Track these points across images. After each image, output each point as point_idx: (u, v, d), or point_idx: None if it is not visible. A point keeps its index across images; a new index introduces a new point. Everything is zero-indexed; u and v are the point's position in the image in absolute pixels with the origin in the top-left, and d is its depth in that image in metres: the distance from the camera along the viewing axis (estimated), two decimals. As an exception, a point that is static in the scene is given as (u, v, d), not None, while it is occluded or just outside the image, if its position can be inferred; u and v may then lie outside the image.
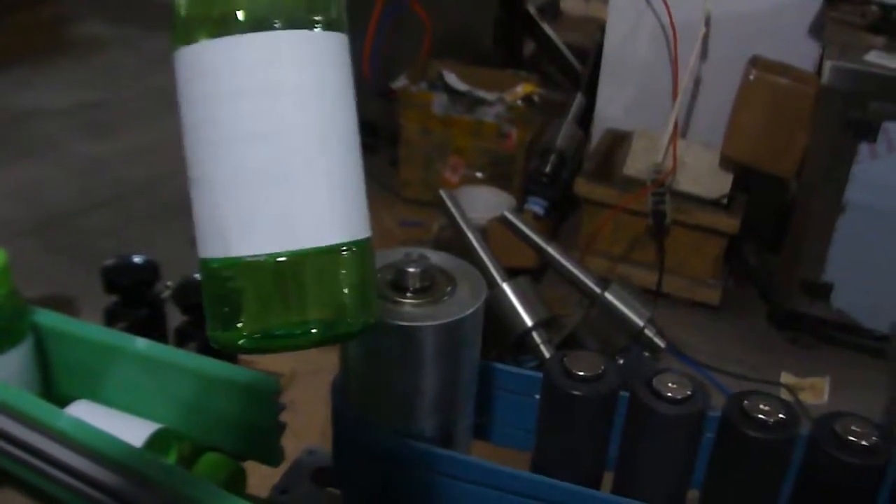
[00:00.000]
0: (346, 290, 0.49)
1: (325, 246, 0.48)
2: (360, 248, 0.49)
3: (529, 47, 3.19)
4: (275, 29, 0.46)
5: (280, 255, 0.47)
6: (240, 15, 0.46)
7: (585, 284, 1.71)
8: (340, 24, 0.49)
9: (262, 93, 0.46)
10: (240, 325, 0.48)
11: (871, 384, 1.90)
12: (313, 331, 0.48)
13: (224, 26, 0.46)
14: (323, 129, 0.47)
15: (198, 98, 0.48)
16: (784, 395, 1.90)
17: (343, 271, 0.49)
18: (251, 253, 0.47)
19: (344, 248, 0.48)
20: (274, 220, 0.47)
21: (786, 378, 1.95)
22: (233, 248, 0.47)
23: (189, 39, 0.47)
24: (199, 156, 0.49)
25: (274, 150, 0.46)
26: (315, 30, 0.47)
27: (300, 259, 0.47)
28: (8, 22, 3.65)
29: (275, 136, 0.46)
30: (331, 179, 0.48)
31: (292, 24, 0.47)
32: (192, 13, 0.47)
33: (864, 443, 0.54)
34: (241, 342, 0.48)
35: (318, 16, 0.48)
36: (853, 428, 0.55)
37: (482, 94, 2.44)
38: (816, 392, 1.93)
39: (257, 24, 0.46)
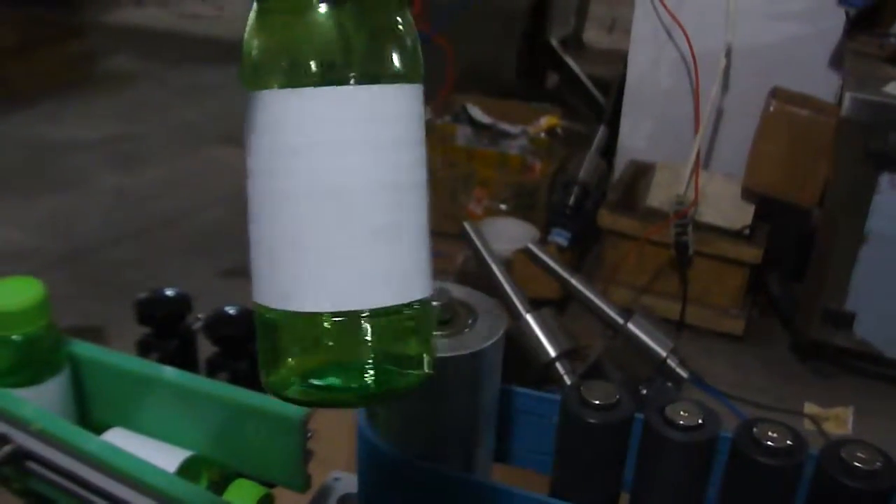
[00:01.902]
0: (409, 345, 0.48)
1: (396, 304, 0.46)
2: (425, 305, 0.48)
3: (553, 80, 3.22)
4: (348, 83, 0.44)
5: (350, 312, 0.45)
6: (315, 66, 0.44)
7: (608, 315, 1.72)
8: (418, 74, 0.47)
9: (334, 147, 0.44)
10: (296, 377, 0.47)
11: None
12: (370, 385, 0.46)
13: (297, 77, 0.45)
14: (399, 183, 0.46)
15: (274, 147, 0.45)
16: (807, 425, 1.91)
17: (409, 327, 0.47)
18: (326, 310, 0.45)
19: (415, 304, 0.47)
20: (348, 278, 0.45)
21: (809, 408, 1.96)
22: (308, 303, 0.45)
23: (260, 85, 0.45)
24: (270, 204, 0.46)
25: (345, 207, 0.44)
26: (388, 84, 0.46)
27: (361, 316, 0.45)
28: (37, 57, 3.70)
29: (353, 192, 0.45)
30: (405, 236, 0.46)
31: (366, 78, 0.45)
32: (284, 59, 0.45)
33: (868, 468, 0.56)
34: (290, 392, 0.47)
35: (392, 69, 0.46)
36: (859, 454, 0.57)
37: (506, 126, 2.47)
38: (840, 422, 1.93)
39: (334, 77, 0.44)
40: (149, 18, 4.28)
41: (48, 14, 4.06)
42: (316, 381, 0.47)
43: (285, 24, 0.46)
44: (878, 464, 0.57)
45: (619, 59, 2.55)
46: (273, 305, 0.47)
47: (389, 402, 0.49)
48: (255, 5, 0.47)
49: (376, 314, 0.45)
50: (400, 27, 0.47)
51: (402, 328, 0.47)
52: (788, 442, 0.58)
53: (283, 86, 0.45)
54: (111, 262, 2.33)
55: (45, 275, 0.87)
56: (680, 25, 2.24)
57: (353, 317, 0.45)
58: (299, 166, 0.45)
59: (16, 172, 2.84)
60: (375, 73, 0.45)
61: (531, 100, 2.75)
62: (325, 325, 0.45)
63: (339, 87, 0.44)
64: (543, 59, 3.10)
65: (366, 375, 0.46)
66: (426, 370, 0.48)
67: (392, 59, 0.46)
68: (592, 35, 3.82)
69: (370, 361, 0.46)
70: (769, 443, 0.58)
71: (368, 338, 0.46)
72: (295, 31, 0.45)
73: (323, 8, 0.45)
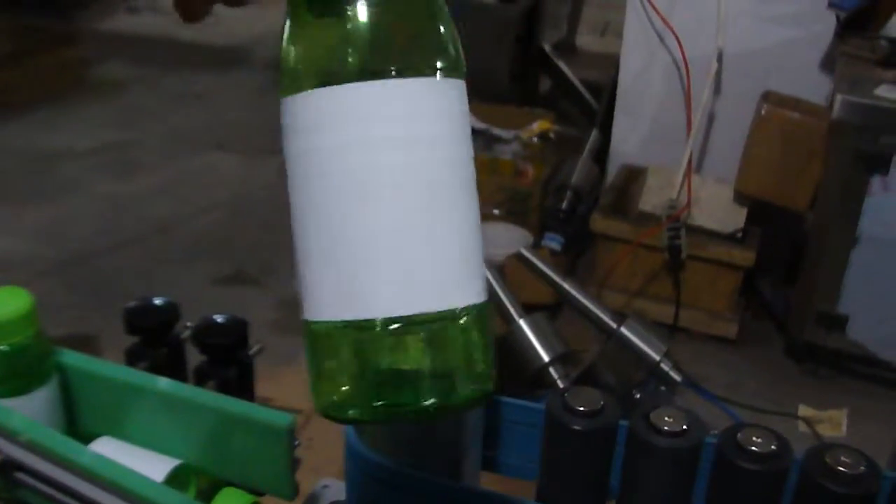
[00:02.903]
0: (466, 356, 0.46)
1: (449, 309, 0.44)
2: (481, 312, 0.46)
3: (545, 84, 3.22)
4: (388, 77, 0.43)
5: (403, 318, 0.43)
6: (354, 61, 0.44)
7: (601, 319, 1.72)
8: (461, 69, 0.46)
9: (400, 144, 0.43)
10: (353, 396, 0.45)
11: (890, 415, 1.91)
12: (429, 401, 0.44)
13: (336, 73, 0.44)
14: (455, 181, 0.45)
15: (315, 147, 0.44)
16: (802, 427, 1.91)
17: (464, 335, 0.45)
18: (377, 316, 0.44)
19: (470, 310, 0.45)
20: (398, 282, 0.43)
21: (803, 410, 1.96)
22: (359, 311, 0.44)
23: (296, 88, 0.44)
24: (309, 210, 0.45)
25: (388, 207, 0.43)
26: (432, 77, 0.45)
27: (414, 324, 0.44)
28: (31, 65, 3.70)
29: (397, 190, 0.43)
30: (456, 236, 0.45)
31: (409, 72, 0.44)
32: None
33: (852, 472, 0.56)
34: (346, 415, 0.45)
35: (435, 62, 0.45)
36: (842, 458, 0.57)
37: (498, 131, 2.47)
38: (834, 424, 1.93)
39: (372, 71, 0.43)
40: (142, 25, 4.27)
41: (41, 21, 4.06)
42: (374, 401, 0.45)
43: (327, 23, 0.45)
44: (862, 468, 0.57)
45: (612, 63, 2.55)
46: (321, 317, 0.45)
47: (451, 417, 0.46)
48: (291, 10, 0.46)
49: (429, 321, 0.44)
50: (440, 22, 0.46)
51: (458, 337, 0.45)
52: (773, 447, 0.58)
53: (320, 84, 0.44)
54: (105, 270, 2.33)
55: (39, 283, 0.87)
56: (671, 30, 2.24)
57: (406, 324, 0.44)
58: (338, 167, 0.44)
59: (9, 180, 2.83)
60: (419, 67, 0.44)
61: (524, 104, 2.75)
62: (379, 334, 0.44)
63: (377, 82, 0.43)
64: (536, 64, 3.11)
65: (424, 391, 0.44)
66: (486, 384, 0.46)
67: (435, 53, 0.45)
68: (585, 39, 3.82)
69: (427, 375, 0.44)
70: (753, 448, 0.58)
71: (423, 348, 0.44)
72: (337, 30, 0.44)
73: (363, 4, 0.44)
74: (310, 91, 0.44)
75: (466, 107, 0.47)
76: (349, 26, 0.44)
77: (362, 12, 0.44)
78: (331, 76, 0.44)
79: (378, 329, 0.44)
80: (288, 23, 0.46)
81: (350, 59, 0.44)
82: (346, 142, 0.43)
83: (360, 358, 0.45)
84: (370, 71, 0.43)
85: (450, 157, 0.45)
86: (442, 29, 0.46)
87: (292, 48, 0.45)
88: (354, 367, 0.45)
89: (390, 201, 0.43)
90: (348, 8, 0.44)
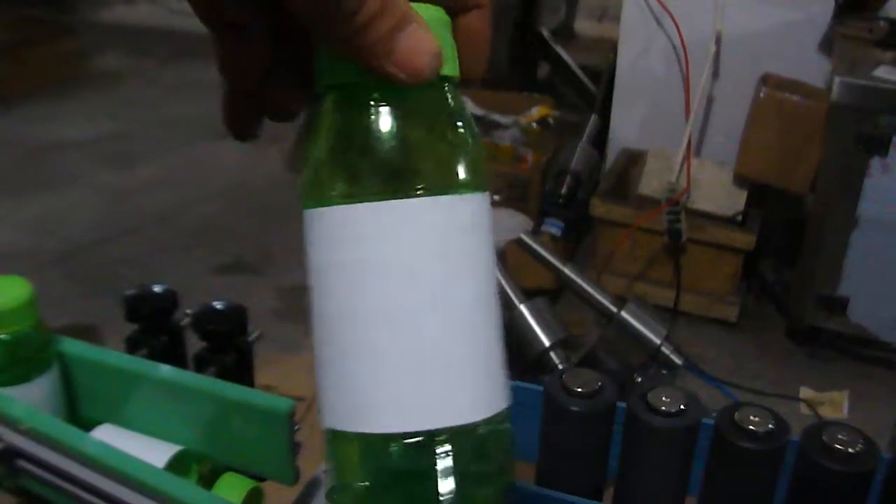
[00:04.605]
0: (488, 462, 0.44)
1: (476, 421, 0.43)
2: (507, 417, 0.45)
3: (544, 70, 3.21)
4: (414, 196, 0.42)
5: (425, 433, 0.42)
6: (379, 179, 0.42)
7: (602, 304, 1.73)
8: (485, 182, 0.45)
9: (399, 263, 0.42)
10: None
11: (891, 397, 1.91)
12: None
13: (358, 191, 0.42)
14: (475, 294, 0.43)
15: (340, 262, 0.43)
16: (803, 409, 1.91)
17: (488, 443, 0.44)
18: (397, 430, 0.42)
19: (496, 418, 0.44)
20: (419, 397, 0.42)
21: (805, 393, 1.96)
22: (378, 425, 0.42)
23: (321, 201, 0.43)
24: (330, 324, 0.43)
25: (416, 323, 0.42)
26: (457, 194, 0.43)
27: (437, 437, 0.42)
28: (29, 57, 3.69)
29: (424, 307, 0.42)
30: (480, 349, 0.43)
31: (433, 190, 0.42)
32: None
33: (849, 450, 0.57)
34: None
35: (459, 178, 0.43)
36: (839, 436, 0.57)
37: (497, 117, 2.47)
38: (836, 406, 1.93)
39: (399, 190, 0.42)
40: (139, 15, 4.27)
41: (38, 13, 4.06)
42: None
43: (353, 138, 0.43)
44: (859, 446, 0.57)
45: (610, 47, 2.54)
46: (339, 427, 0.44)
47: None
48: (315, 120, 0.44)
49: (453, 433, 0.42)
50: (467, 138, 0.45)
51: (481, 445, 0.44)
52: (770, 426, 0.58)
53: (343, 200, 0.42)
54: (105, 260, 2.33)
55: (40, 274, 0.87)
56: (669, 13, 2.24)
57: (428, 437, 0.42)
58: (360, 282, 0.42)
59: (7, 172, 2.83)
60: (444, 184, 0.43)
61: (523, 90, 2.74)
62: (399, 447, 0.42)
63: (404, 201, 0.42)
64: (534, 49, 3.10)
65: (444, 498, 0.43)
66: (506, 481, 0.45)
67: (458, 168, 0.44)
68: (583, 24, 3.81)
69: (448, 483, 0.43)
70: (751, 427, 0.58)
71: (446, 460, 0.42)
72: (364, 146, 0.43)
73: (385, 119, 0.42)
74: (329, 207, 0.43)
75: (491, 219, 0.45)
76: (376, 143, 0.42)
77: (390, 129, 0.42)
78: (355, 192, 0.42)
79: (398, 443, 0.42)
80: (309, 134, 0.44)
81: (376, 177, 0.42)
82: (373, 258, 0.42)
83: (382, 467, 0.43)
84: (396, 190, 0.42)
85: (477, 270, 0.44)
86: (469, 144, 0.45)
87: (315, 160, 0.44)
88: (374, 475, 0.44)
89: (414, 318, 0.42)
90: (376, 124, 0.42)
